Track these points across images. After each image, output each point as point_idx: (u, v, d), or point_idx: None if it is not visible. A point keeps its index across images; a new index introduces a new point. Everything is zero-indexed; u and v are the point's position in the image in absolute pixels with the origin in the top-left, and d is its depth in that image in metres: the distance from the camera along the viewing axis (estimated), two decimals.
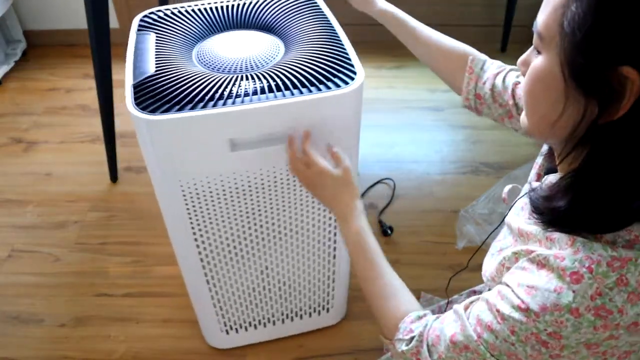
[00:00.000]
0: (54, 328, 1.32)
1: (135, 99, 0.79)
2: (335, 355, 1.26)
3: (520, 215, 0.60)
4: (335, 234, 1.06)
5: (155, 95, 0.79)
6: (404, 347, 0.65)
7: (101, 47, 1.42)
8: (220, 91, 0.80)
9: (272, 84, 0.81)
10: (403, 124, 1.93)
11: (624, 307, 0.47)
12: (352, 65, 0.86)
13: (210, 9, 1.00)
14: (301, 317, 1.24)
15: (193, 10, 0.99)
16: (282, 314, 1.21)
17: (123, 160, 1.75)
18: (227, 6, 1.00)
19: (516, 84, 0.76)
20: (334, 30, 0.94)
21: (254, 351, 1.26)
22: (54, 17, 2.30)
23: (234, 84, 0.81)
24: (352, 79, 0.83)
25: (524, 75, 0.55)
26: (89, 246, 1.52)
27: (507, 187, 0.68)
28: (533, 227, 0.56)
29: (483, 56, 0.83)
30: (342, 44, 0.90)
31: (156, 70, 0.82)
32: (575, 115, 0.49)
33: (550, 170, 0.60)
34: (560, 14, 0.47)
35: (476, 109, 0.83)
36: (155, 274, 1.45)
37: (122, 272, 1.45)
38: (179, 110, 0.77)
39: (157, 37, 0.90)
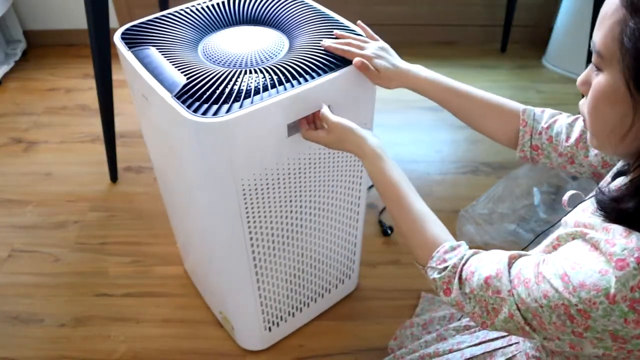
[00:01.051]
0: (54, 328, 1.33)
1: (188, 107, 0.77)
2: (335, 355, 1.26)
3: (580, 215, 0.61)
4: (359, 198, 1.13)
5: (207, 99, 0.78)
6: (436, 275, 0.68)
7: (101, 47, 1.42)
8: (255, 84, 0.81)
9: (300, 70, 0.85)
10: (403, 124, 1.93)
11: None
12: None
13: (184, 12, 0.98)
14: (330, 291, 1.28)
15: (166, 17, 0.97)
16: (315, 293, 1.25)
17: (123, 160, 1.75)
18: (208, 6, 1.00)
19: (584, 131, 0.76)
20: (331, 16, 0.97)
21: (254, 351, 1.26)
22: (54, 17, 2.30)
23: (263, 76, 0.83)
24: None
25: (585, 94, 0.55)
26: (89, 246, 1.53)
27: (569, 193, 0.69)
28: (592, 219, 0.57)
29: (531, 107, 0.83)
30: (348, 26, 0.94)
31: (188, 78, 0.81)
32: None
33: (620, 173, 0.61)
34: (618, 32, 0.48)
35: (532, 159, 0.83)
36: (155, 274, 1.45)
37: (122, 272, 1.45)
38: (240, 107, 0.78)
39: (157, 48, 0.89)
